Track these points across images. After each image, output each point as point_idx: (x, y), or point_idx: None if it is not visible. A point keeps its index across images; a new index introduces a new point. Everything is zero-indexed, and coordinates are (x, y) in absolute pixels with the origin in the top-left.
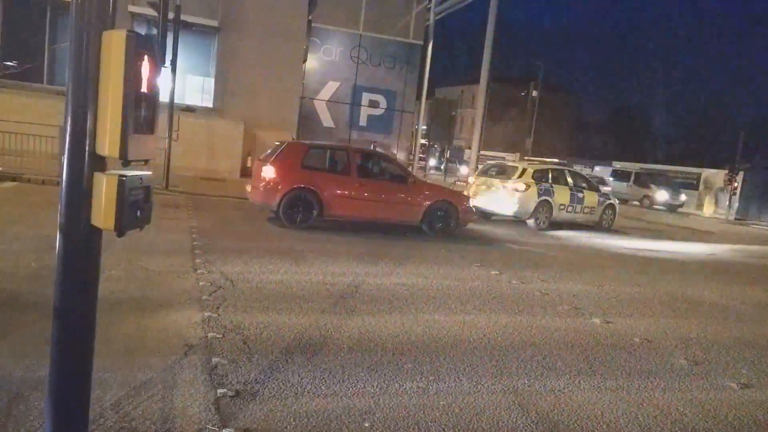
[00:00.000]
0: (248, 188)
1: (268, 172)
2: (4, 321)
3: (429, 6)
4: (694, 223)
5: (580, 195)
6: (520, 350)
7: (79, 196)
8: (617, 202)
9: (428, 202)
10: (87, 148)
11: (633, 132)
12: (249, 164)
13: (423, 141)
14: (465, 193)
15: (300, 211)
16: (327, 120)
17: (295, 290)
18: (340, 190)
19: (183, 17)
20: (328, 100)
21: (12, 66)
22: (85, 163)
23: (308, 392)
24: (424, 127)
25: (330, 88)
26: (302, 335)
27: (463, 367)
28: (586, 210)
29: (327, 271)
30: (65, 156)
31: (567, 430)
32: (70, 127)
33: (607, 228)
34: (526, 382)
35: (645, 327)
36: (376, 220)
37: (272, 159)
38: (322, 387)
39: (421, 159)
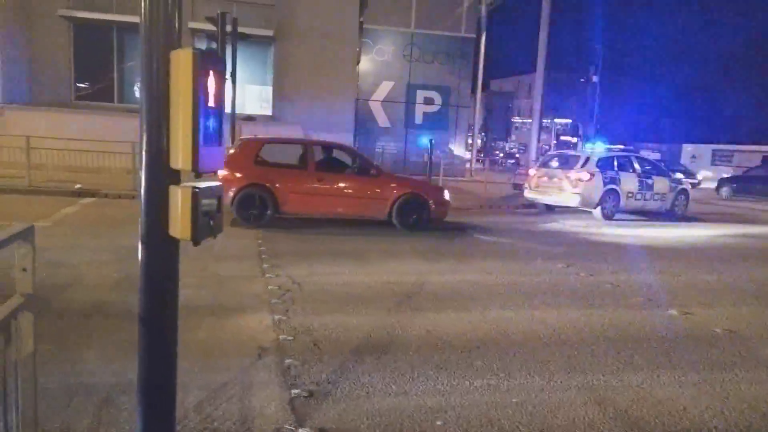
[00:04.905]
0: None
1: (223, 170)
2: (92, 328)
3: None
4: None
5: (649, 181)
6: (593, 345)
7: (157, 208)
8: (690, 187)
9: (395, 196)
10: (162, 163)
11: (701, 112)
12: None
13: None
14: (438, 185)
15: (254, 209)
16: (383, 120)
17: (361, 291)
18: (295, 186)
19: (240, 29)
20: (383, 100)
21: (84, 87)
22: (161, 177)
23: (379, 391)
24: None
25: (384, 88)
26: (370, 335)
27: (534, 363)
28: (656, 197)
29: (390, 271)
30: (143, 171)
31: (648, 427)
32: (145, 144)
33: (681, 215)
34: (602, 377)
35: (727, 317)
36: (337, 216)
37: (227, 157)
38: (393, 386)
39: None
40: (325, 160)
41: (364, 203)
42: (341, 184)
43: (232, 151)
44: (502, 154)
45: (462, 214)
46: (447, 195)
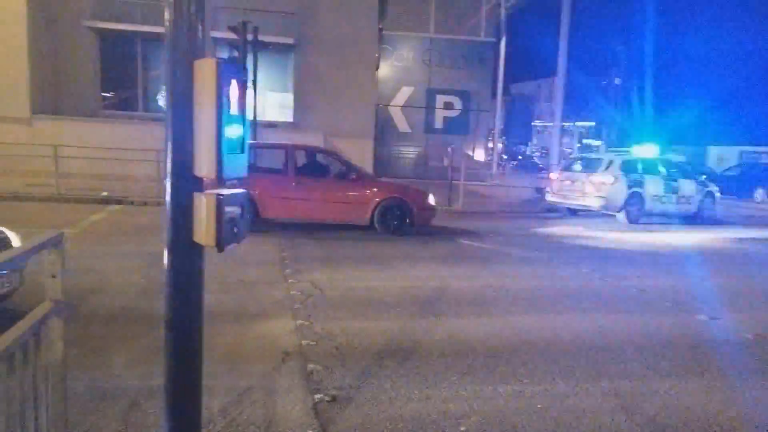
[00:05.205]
0: None
1: None
2: (118, 334)
3: (500, 2)
4: None
5: (675, 184)
6: (620, 351)
7: (182, 215)
8: (717, 189)
9: (377, 200)
10: (186, 171)
11: (727, 113)
12: None
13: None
14: (423, 189)
15: None
16: (403, 125)
17: (382, 296)
18: (275, 191)
19: (261, 38)
20: (403, 106)
21: (110, 97)
22: (186, 184)
23: (402, 397)
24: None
25: (404, 94)
26: (392, 340)
27: (558, 369)
28: (682, 200)
29: (412, 276)
30: (168, 179)
31: None
32: (170, 152)
33: (708, 218)
34: (629, 383)
35: (757, 321)
36: (318, 221)
37: None
38: (416, 391)
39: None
40: (308, 165)
41: (345, 208)
42: (322, 189)
43: None
44: (505, 156)
45: (482, 219)
46: (432, 199)
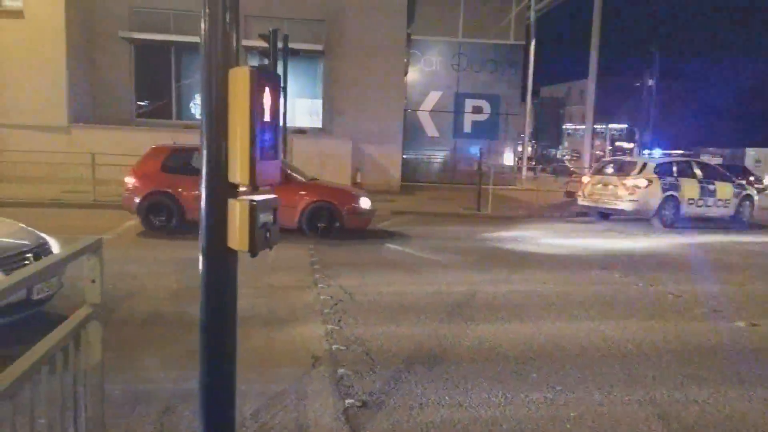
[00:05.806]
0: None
1: (130, 177)
2: (152, 337)
3: (529, 4)
4: None
5: (711, 187)
6: (655, 358)
7: (217, 221)
8: (755, 192)
9: (304, 203)
10: (221, 177)
11: (764, 114)
12: (358, 179)
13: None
14: (355, 192)
15: (160, 216)
16: (431, 130)
17: (412, 301)
18: (199, 194)
19: (290, 45)
20: (432, 110)
21: (144, 105)
22: (220, 190)
23: (432, 403)
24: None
25: (432, 99)
26: (422, 346)
27: (592, 376)
28: (719, 203)
29: (441, 281)
30: (203, 185)
31: None
32: (205, 158)
33: (746, 221)
34: (665, 392)
35: None
36: None
37: (135, 164)
38: (446, 397)
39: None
40: None
41: None
42: None
43: (140, 158)
44: (535, 163)
45: (511, 223)
46: (366, 203)
